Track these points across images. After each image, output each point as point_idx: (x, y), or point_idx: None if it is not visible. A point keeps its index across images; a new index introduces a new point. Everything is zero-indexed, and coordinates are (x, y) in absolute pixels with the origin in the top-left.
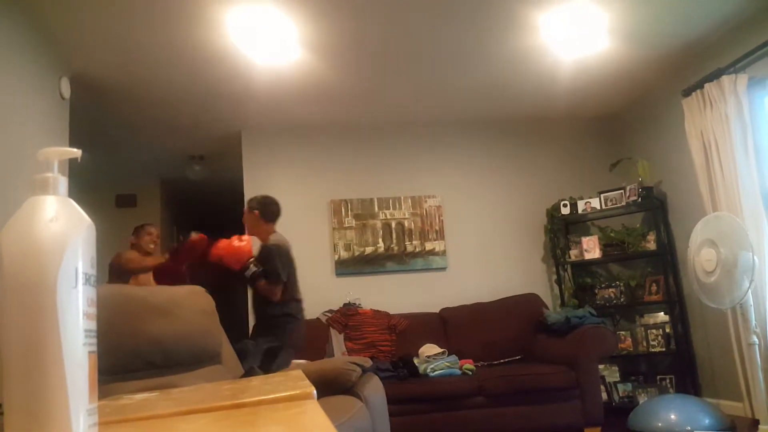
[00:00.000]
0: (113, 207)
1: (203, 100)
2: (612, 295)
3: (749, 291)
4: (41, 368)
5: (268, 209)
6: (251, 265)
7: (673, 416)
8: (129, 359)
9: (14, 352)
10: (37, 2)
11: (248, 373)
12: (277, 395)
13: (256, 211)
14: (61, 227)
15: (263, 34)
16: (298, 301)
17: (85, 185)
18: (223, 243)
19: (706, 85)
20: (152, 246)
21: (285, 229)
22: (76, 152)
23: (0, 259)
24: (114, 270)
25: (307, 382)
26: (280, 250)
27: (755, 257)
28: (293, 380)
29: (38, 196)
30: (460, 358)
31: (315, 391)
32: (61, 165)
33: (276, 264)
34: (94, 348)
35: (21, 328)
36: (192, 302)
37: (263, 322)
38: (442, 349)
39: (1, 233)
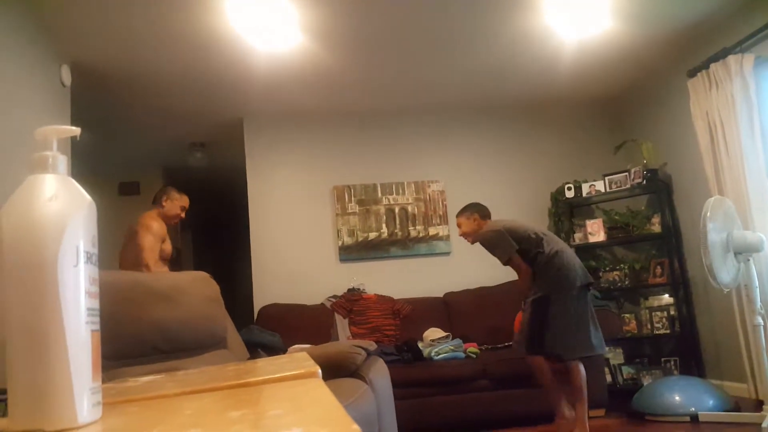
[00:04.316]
0: (116, 195)
1: (204, 86)
2: (616, 277)
3: (751, 272)
4: (44, 346)
5: (485, 211)
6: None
7: (677, 398)
8: (134, 345)
9: (17, 330)
10: None
11: (253, 356)
12: (282, 374)
13: (476, 214)
14: (61, 205)
15: (264, 19)
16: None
17: (87, 173)
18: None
19: (712, 66)
20: (176, 222)
21: (288, 216)
22: (75, 130)
23: (0, 238)
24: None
25: (312, 362)
26: (485, 238)
27: (757, 236)
28: (298, 361)
29: (37, 175)
30: (464, 342)
31: (320, 370)
32: (62, 146)
33: (494, 252)
34: (97, 326)
35: (23, 307)
36: (196, 289)
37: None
38: (446, 333)
39: (1, 212)
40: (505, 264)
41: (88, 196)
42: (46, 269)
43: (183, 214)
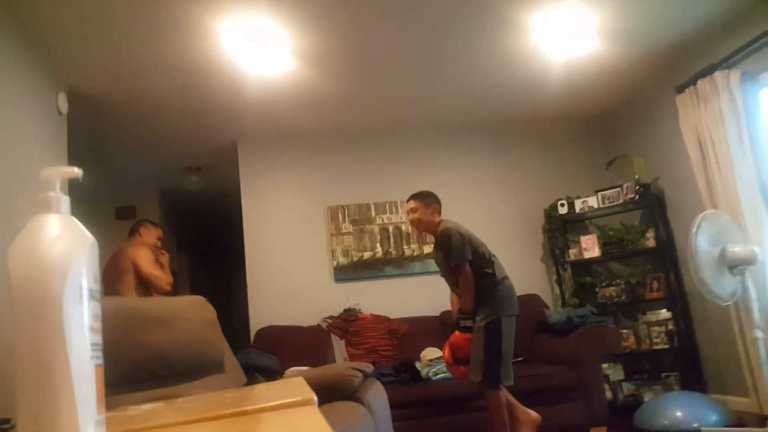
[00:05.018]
0: (113, 219)
1: (199, 111)
2: (613, 293)
3: (747, 285)
4: (50, 382)
5: (438, 199)
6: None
7: (679, 413)
8: (133, 371)
9: (24, 366)
10: (33, 18)
11: (251, 381)
12: (279, 402)
13: (436, 205)
14: (66, 245)
15: (257, 44)
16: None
17: (85, 198)
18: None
19: (699, 82)
20: (154, 249)
21: (283, 237)
22: (77, 172)
23: (8, 276)
24: (120, 273)
25: (308, 388)
26: (451, 236)
27: (749, 249)
28: (294, 387)
29: (42, 215)
30: None
31: (315, 398)
32: (63, 182)
33: (452, 253)
34: (101, 361)
35: (30, 344)
36: (193, 313)
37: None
38: None
39: (8, 251)
40: (454, 269)
41: (90, 236)
42: (52, 307)
43: (159, 244)
